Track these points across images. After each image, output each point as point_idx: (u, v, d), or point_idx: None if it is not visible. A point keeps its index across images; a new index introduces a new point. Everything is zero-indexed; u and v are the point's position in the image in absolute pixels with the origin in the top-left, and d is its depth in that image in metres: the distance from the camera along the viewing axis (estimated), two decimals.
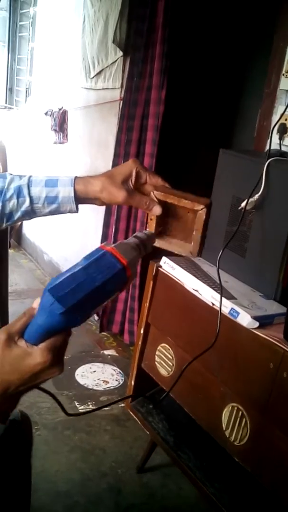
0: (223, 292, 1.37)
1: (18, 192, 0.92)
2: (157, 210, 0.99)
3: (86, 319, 0.72)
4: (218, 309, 1.35)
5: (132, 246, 0.77)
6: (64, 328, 0.70)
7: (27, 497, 1.09)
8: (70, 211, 0.95)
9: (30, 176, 0.95)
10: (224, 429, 1.36)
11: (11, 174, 0.95)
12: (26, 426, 1.08)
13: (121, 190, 0.92)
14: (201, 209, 1.01)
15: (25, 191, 0.92)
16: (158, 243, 1.00)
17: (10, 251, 2.86)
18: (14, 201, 0.92)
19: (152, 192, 1.00)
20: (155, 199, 1.01)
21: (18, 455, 1.02)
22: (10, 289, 2.89)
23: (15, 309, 3.05)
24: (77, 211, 0.96)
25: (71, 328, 0.72)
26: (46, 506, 1.69)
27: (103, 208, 2.74)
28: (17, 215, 0.93)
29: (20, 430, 1.04)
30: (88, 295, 0.69)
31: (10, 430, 1.00)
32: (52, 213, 0.94)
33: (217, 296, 1.36)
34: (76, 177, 0.94)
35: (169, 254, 1.58)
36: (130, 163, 0.96)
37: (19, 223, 4.34)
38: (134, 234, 0.81)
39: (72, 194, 0.92)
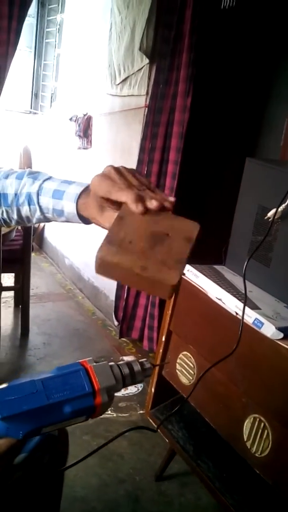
0: (248, 302, 1.37)
1: (29, 200, 0.84)
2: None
3: (33, 436, 0.65)
4: (241, 318, 1.35)
5: (115, 373, 0.69)
6: (4, 435, 0.63)
7: (56, 507, 1.10)
8: (85, 224, 0.83)
9: (43, 182, 0.85)
10: (245, 440, 1.35)
11: (29, 174, 0.87)
12: (62, 440, 1.08)
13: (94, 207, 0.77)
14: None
15: (35, 199, 0.83)
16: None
17: (32, 254, 2.88)
18: (26, 207, 0.85)
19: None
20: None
21: (51, 469, 1.03)
22: (31, 292, 2.92)
23: (36, 312, 3.08)
24: (86, 222, 0.83)
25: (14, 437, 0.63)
26: (64, 511, 1.69)
27: None
28: (34, 220, 0.87)
29: (56, 445, 1.05)
30: (36, 410, 0.63)
31: (45, 444, 1.01)
32: (68, 221, 0.84)
33: (241, 305, 1.35)
34: (85, 190, 0.81)
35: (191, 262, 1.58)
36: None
37: (42, 226, 4.38)
38: (132, 360, 0.74)
39: (75, 212, 0.80)
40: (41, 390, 0.64)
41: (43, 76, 4.60)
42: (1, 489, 0.67)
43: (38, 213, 0.84)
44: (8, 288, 3.08)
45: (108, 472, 1.89)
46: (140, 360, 0.74)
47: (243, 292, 1.44)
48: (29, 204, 0.84)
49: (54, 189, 0.82)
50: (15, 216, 0.87)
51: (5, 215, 0.88)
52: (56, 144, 4.08)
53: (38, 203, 0.83)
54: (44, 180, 0.85)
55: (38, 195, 0.83)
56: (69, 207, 0.80)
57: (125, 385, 0.71)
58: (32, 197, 0.84)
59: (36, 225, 4.37)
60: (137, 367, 0.73)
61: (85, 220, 0.82)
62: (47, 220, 0.86)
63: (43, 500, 1.05)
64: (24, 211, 0.86)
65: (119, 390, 0.70)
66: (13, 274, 3.08)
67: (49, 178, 0.87)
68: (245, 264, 1.08)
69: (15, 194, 0.85)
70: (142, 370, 0.73)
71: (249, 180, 1.52)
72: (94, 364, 0.68)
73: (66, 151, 3.84)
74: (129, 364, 0.72)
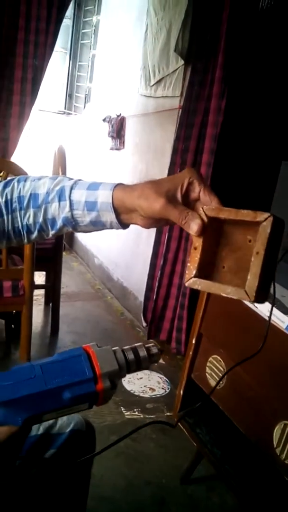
0: (281, 307, 1.35)
1: (60, 194, 0.79)
2: (194, 227, 0.69)
3: (34, 423, 0.64)
4: (275, 323, 1.33)
5: (119, 359, 0.67)
6: (3, 422, 0.61)
7: (83, 505, 1.10)
8: (112, 225, 0.78)
9: (79, 179, 0.81)
10: (275, 446, 1.33)
11: (67, 177, 0.83)
12: (89, 436, 1.09)
13: (161, 197, 0.71)
14: (266, 219, 0.64)
15: (67, 193, 0.78)
16: (200, 285, 0.70)
17: (63, 253, 2.91)
18: (56, 204, 0.79)
19: (201, 208, 0.72)
20: (201, 214, 0.71)
21: (79, 465, 1.04)
22: (61, 291, 2.94)
23: (66, 311, 3.11)
24: (120, 225, 0.78)
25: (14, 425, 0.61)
26: (90, 510, 1.70)
27: None
28: (59, 222, 0.80)
29: (83, 441, 1.05)
30: (34, 396, 0.61)
31: (73, 440, 1.02)
32: (94, 224, 0.78)
33: (275, 310, 1.34)
34: (120, 183, 0.77)
35: None
36: (185, 172, 0.74)
37: None
38: (138, 345, 0.70)
39: (110, 200, 0.75)
40: (40, 375, 0.63)
41: (78, 77, 4.64)
42: (3, 478, 0.65)
43: (66, 209, 0.78)
44: (39, 287, 3.11)
45: (134, 474, 1.90)
46: (146, 345, 0.71)
47: (276, 296, 1.43)
48: (59, 200, 0.79)
49: (91, 183, 0.79)
50: (40, 219, 0.81)
51: (31, 220, 0.82)
52: (89, 144, 4.11)
53: (70, 197, 0.78)
54: (80, 179, 0.82)
55: (71, 189, 0.79)
56: (104, 196, 0.76)
57: (130, 371, 0.69)
58: (64, 191, 0.79)
59: None
60: (143, 353, 0.69)
61: (117, 214, 0.77)
62: (74, 221, 0.80)
63: (70, 495, 1.06)
64: (52, 209, 0.80)
65: (123, 376, 0.68)
66: (44, 273, 3.12)
67: (81, 179, 0.83)
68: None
69: (47, 192, 0.80)
70: (148, 356, 0.70)
71: (285, 184, 1.50)
72: (97, 348, 0.66)
73: (99, 151, 3.87)
74: (134, 349, 0.69)
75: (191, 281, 0.71)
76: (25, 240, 0.85)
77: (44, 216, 0.81)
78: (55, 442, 1.01)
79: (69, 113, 4.72)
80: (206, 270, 0.72)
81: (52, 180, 0.81)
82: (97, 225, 0.79)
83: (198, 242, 0.71)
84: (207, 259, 0.72)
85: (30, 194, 0.81)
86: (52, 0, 3.12)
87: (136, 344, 0.70)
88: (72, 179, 0.82)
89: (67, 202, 0.78)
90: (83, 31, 4.53)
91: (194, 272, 0.71)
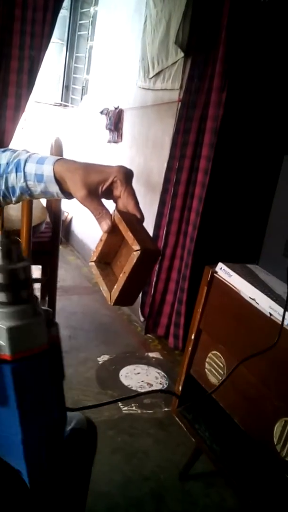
0: (282, 303, 1.33)
1: (17, 166, 0.89)
2: (104, 226, 0.82)
3: None
4: (276, 320, 1.32)
5: None
6: None
7: (82, 504, 1.09)
8: (59, 195, 0.87)
9: (33, 153, 0.91)
10: (275, 443, 1.32)
11: (24, 150, 0.93)
12: (91, 435, 1.07)
13: (84, 188, 0.81)
14: (137, 250, 0.75)
15: (22, 166, 0.88)
16: (94, 272, 0.85)
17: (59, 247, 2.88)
18: (13, 175, 0.90)
19: (114, 210, 0.83)
20: (110, 217, 0.82)
21: (79, 465, 1.02)
22: (57, 285, 2.92)
23: (62, 305, 3.09)
24: (64, 195, 0.87)
25: None
26: (87, 505, 1.69)
27: (154, 208, 2.73)
28: (17, 190, 0.90)
29: (84, 440, 1.03)
30: None
31: (74, 439, 1.00)
32: (45, 194, 0.88)
33: (276, 306, 1.32)
34: (61, 158, 0.86)
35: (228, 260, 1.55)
36: (114, 170, 0.82)
37: (69, 219, 4.39)
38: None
39: (52, 174, 0.85)
40: None
41: (75, 68, 4.60)
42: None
43: (21, 181, 0.89)
44: (35, 280, 3.06)
45: (132, 469, 1.88)
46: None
47: (278, 292, 1.41)
48: (16, 171, 0.89)
49: (40, 157, 0.88)
50: (2, 187, 0.92)
51: None
52: (87, 137, 4.07)
53: (24, 169, 0.88)
54: (35, 153, 0.91)
55: (26, 161, 0.88)
56: (47, 170, 0.85)
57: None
58: (20, 164, 0.89)
59: (64, 218, 4.38)
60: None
61: (61, 185, 0.85)
62: (28, 189, 0.89)
63: (70, 494, 1.05)
64: (11, 179, 0.90)
65: None
66: (40, 266, 3.09)
67: (35, 153, 0.92)
68: None
69: (7, 163, 0.90)
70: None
71: (287, 178, 1.48)
72: None
73: (96, 144, 3.83)
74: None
75: (91, 264, 0.86)
76: None
77: (5, 184, 0.91)
78: None
79: (66, 105, 4.68)
80: (107, 259, 0.86)
81: (12, 153, 0.92)
82: (47, 194, 0.89)
83: (104, 237, 0.84)
84: (108, 251, 0.85)
85: None
86: None
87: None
88: (28, 152, 0.92)
89: (22, 174, 0.88)
90: (80, 22, 4.48)
91: (94, 258, 0.86)
